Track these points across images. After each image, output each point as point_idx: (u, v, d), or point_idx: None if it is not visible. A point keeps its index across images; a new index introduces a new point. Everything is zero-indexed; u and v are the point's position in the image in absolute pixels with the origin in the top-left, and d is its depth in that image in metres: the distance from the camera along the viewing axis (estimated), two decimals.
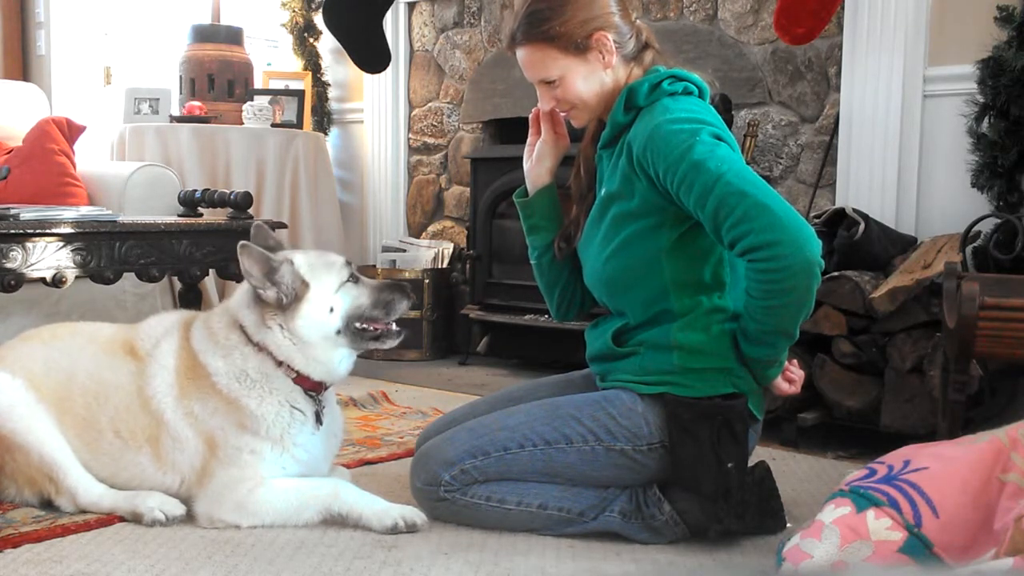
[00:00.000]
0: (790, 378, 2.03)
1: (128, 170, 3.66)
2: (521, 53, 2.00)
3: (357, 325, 2.03)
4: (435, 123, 4.52)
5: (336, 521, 1.97)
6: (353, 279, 2.06)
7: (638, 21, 2.05)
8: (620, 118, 1.96)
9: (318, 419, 2.05)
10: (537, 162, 2.15)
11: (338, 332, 2.02)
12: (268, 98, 4.48)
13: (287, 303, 1.98)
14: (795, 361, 2.05)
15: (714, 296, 1.94)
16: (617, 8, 1.98)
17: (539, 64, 1.98)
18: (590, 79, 1.97)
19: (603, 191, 2.01)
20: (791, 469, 2.50)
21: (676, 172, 1.83)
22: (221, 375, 2.00)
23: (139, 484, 2.04)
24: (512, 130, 4.19)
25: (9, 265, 2.57)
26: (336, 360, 2.04)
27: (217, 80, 4.39)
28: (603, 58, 1.95)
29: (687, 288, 1.93)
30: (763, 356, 1.91)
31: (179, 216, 3.27)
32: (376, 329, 2.05)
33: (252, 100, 4.37)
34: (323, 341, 2.01)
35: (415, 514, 1.96)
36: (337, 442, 2.17)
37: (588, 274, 2.07)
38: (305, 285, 2.00)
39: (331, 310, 2.01)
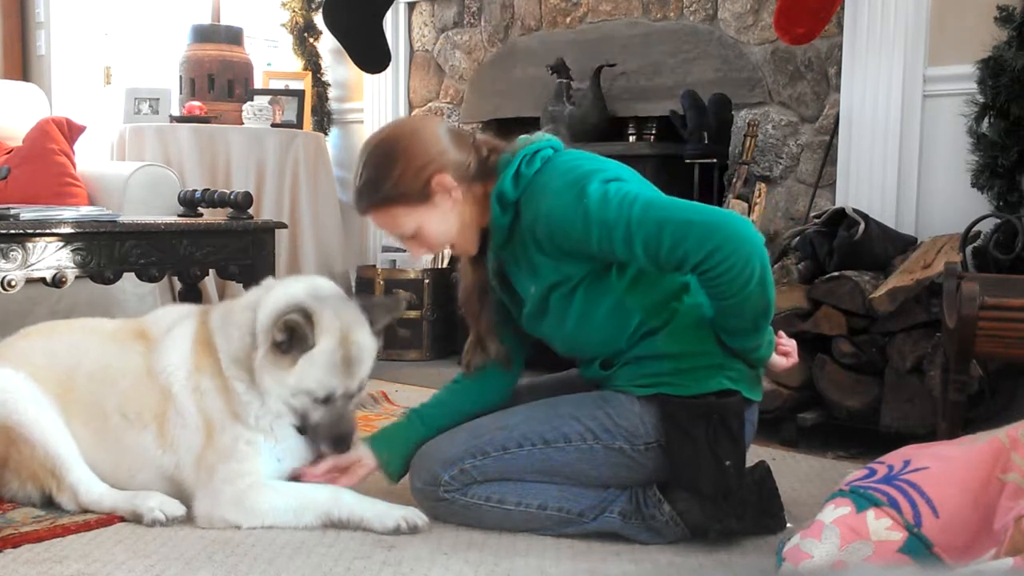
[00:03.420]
0: (784, 351, 2.02)
1: (128, 170, 3.66)
2: (372, 218, 1.99)
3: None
4: None
5: (337, 523, 1.96)
6: (326, 401, 1.95)
7: (475, 137, 2.00)
8: (502, 221, 1.93)
9: (301, 430, 2.03)
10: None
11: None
12: (268, 98, 4.48)
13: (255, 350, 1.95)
14: (782, 334, 2.04)
15: (684, 298, 1.95)
16: (448, 142, 1.95)
17: (391, 223, 1.97)
18: (446, 218, 1.95)
19: (532, 288, 1.97)
20: (791, 469, 2.50)
21: (590, 239, 1.82)
22: (224, 354, 2.01)
23: (141, 467, 2.04)
24: (512, 130, 4.18)
25: (9, 265, 2.57)
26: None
27: (217, 80, 4.39)
28: (449, 196, 1.93)
29: (658, 306, 1.93)
30: (750, 344, 1.92)
31: (179, 216, 3.26)
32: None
33: (252, 100, 4.37)
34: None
35: (416, 515, 1.96)
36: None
37: (557, 349, 2.05)
38: (287, 358, 1.92)
39: (284, 393, 1.95)
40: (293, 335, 1.90)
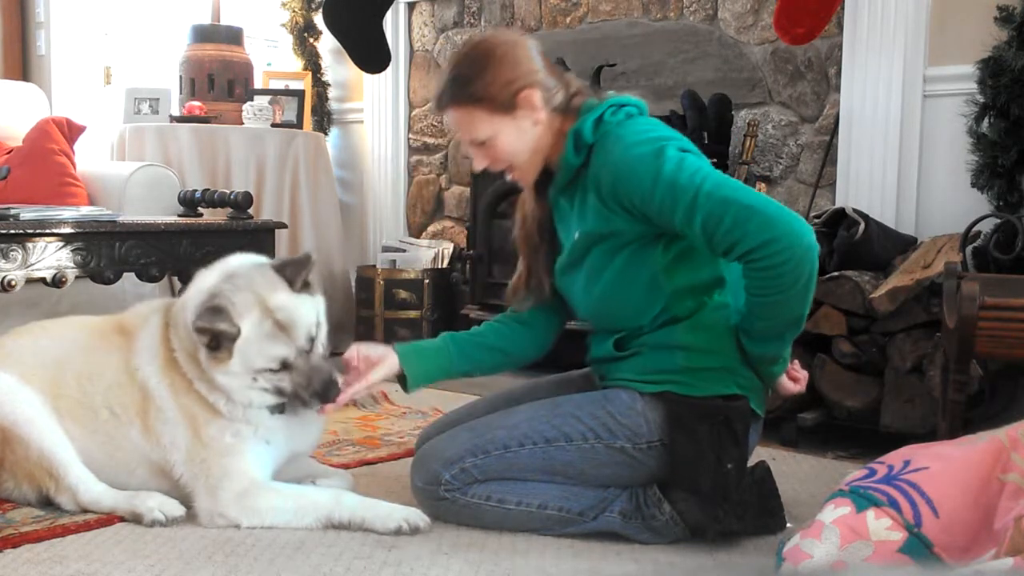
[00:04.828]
0: (794, 377, 2.03)
1: (128, 170, 3.66)
2: (449, 115, 1.99)
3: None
4: (435, 123, 4.52)
5: (338, 525, 1.96)
6: (285, 367, 1.93)
7: (567, 75, 2.02)
8: (573, 160, 1.94)
9: (280, 409, 2.02)
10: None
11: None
12: (268, 98, 4.48)
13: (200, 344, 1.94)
14: (797, 362, 2.05)
15: (714, 294, 1.95)
16: (542, 65, 1.96)
17: (468, 125, 1.97)
18: (522, 136, 1.95)
19: (576, 233, 1.98)
20: (791, 469, 2.50)
21: (653, 198, 1.82)
22: (179, 352, 2.01)
23: (136, 463, 2.04)
24: None
25: (9, 265, 2.57)
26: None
27: (217, 80, 4.39)
28: (532, 115, 1.94)
29: (689, 293, 1.93)
30: (770, 352, 1.91)
31: (179, 216, 3.27)
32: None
33: (252, 100, 4.37)
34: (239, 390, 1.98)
35: (418, 516, 1.95)
36: (315, 429, 2.13)
37: (579, 309, 2.05)
38: (226, 353, 1.91)
39: (242, 383, 1.95)
40: (213, 336, 1.89)
